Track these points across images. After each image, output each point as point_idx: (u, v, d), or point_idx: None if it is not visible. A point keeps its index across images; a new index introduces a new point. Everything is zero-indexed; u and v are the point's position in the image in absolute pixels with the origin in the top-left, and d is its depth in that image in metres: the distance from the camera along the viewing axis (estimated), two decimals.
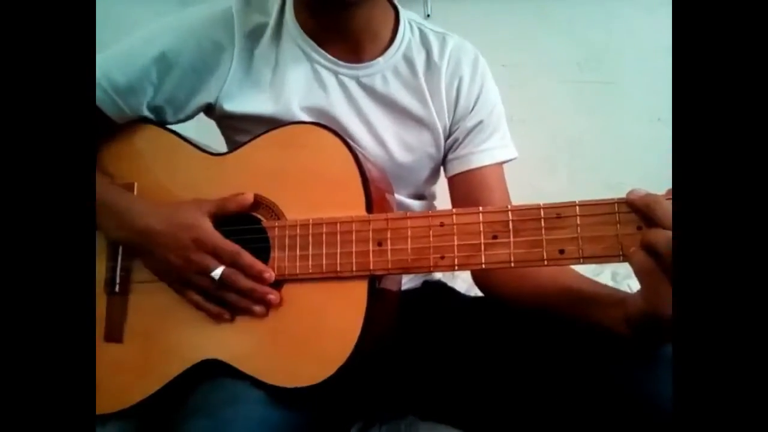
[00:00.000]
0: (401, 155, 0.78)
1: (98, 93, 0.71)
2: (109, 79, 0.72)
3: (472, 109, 0.80)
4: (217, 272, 0.63)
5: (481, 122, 0.80)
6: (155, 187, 0.73)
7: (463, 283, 1.34)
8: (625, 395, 0.56)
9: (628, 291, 1.38)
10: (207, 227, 0.65)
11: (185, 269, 0.65)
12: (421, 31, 0.80)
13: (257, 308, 0.63)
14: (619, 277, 1.38)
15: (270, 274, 0.63)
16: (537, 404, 0.63)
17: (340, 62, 0.75)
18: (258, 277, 0.63)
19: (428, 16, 1.90)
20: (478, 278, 0.81)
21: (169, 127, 0.77)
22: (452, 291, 0.87)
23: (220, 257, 0.64)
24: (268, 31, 0.74)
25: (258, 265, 0.64)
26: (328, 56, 0.75)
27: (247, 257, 0.64)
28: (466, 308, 0.79)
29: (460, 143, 0.80)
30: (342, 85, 0.76)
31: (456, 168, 0.81)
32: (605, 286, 0.68)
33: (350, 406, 0.74)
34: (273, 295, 0.63)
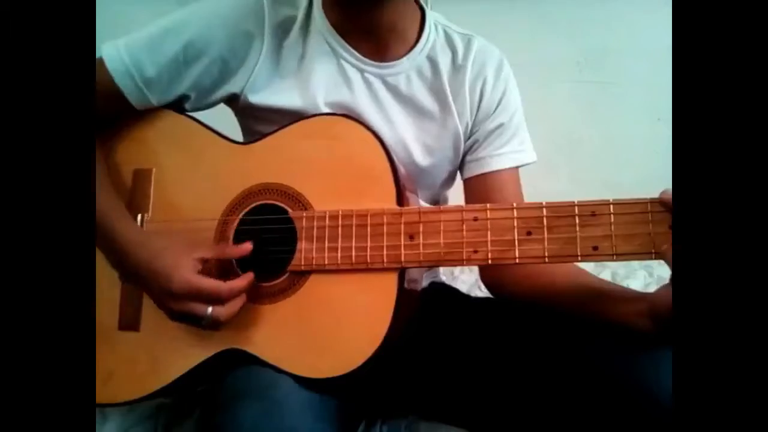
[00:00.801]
0: (421, 157, 0.78)
1: (127, 82, 0.71)
2: (140, 70, 0.71)
3: (494, 112, 0.80)
4: (207, 318, 0.62)
5: (501, 125, 0.80)
6: (174, 174, 0.73)
7: (462, 284, 1.33)
8: (626, 394, 0.56)
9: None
10: (181, 275, 0.62)
11: (171, 315, 0.64)
12: (446, 33, 0.80)
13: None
14: (619, 277, 1.38)
15: (251, 278, 0.64)
16: (538, 403, 0.63)
17: (367, 60, 0.75)
18: (249, 288, 0.64)
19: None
20: (488, 277, 0.81)
21: (190, 114, 0.76)
22: (454, 291, 0.87)
23: (203, 299, 0.62)
24: (297, 25, 0.74)
25: (242, 284, 0.63)
26: (355, 53, 0.75)
27: (230, 286, 0.63)
28: (468, 308, 0.79)
29: (480, 145, 0.81)
30: (367, 83, 0.76)
31: (473, 170, 0.81)
32: (617, 284, 0.72)
33: (366, 398, 0.74)
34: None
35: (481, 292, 1.34)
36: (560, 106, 1.93)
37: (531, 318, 0.70)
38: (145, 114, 0.75)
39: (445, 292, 0.87)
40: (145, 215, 0.73)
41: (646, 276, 1.38)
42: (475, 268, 1.51)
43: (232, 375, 0.63)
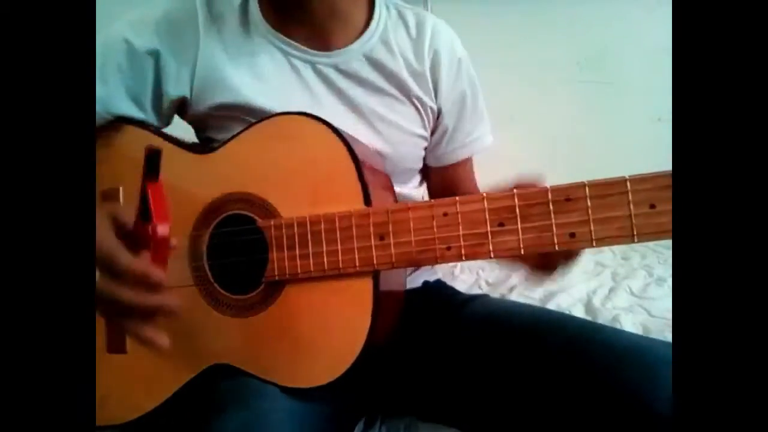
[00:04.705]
0: (391, 136, 0.76)
1: None
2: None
3: (452, 94, 0.80)
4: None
5: (459, 112, 0.81)
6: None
7: (462, 283, 1.34)
8: (625, 397, 0.56)
9: (626, 292, 1.37)
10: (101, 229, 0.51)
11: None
12: (399, 11, 0.79)
13: (158, 339, 0.50)
14: (619, 278, 1.38)
15: (158, 276, 0.50)
16: (537, 405, 0.63)
17: (314, 51, 0.73)
18: (145, 283, 0.50)
19: None
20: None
21: (152, 127, 0.75)
22: (452, 291, 0.87)
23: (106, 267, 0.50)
24: (236, 26, 0.73)
25: (138, 265, 0.50)
26: (301, 47, 0.73)
27: (123, 258, 0.50)
28: (466, 308, 0.78)
29: (441, 140, 0.82)
30: (320, 75, 0.74)
31: (435, 163, 0.84)
32: None
33: (364, 399, 0.74)
34: (170, 302, 0.51)
35: (481, 291, 1.34)
36: (560, 106, 1.94)
37: (529, 320, 0.70)
38: (108, 131, 0.73)
39: (441, 291, 0.87)
40: None
41: (646, 276, 1.38)
42: (475, 268, 1.52)
43: (217, 385, 0.62)
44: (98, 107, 0.70)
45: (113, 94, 0.71)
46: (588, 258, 1.56)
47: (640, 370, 0.57)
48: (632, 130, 1.89)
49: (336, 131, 0.63)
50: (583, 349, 0.62)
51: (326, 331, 0.61)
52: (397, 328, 0.68)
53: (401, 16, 0.79)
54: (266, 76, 0.72)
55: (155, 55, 0.71)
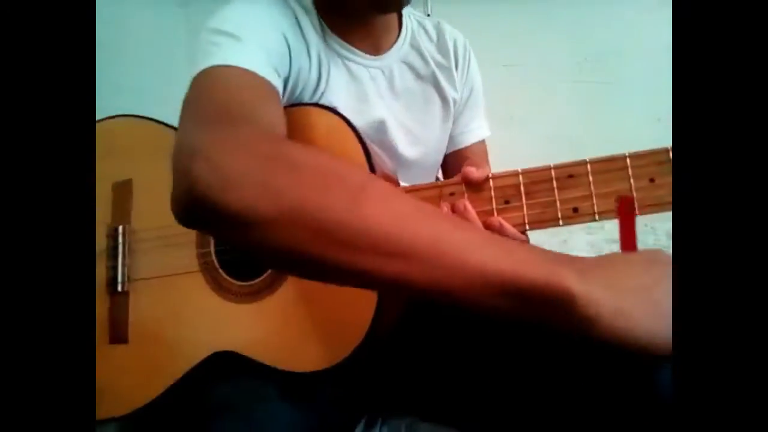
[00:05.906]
0: (429, 135, 0.84)
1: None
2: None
3: (469, 88, 0.89)
4: None
5: (474, 102, 0.90)
6: (152, 181, 0.72)
7: None
8: (625, 397, 0.56)
9: None
10: None
11: None
12: (418, 21, 0.86)
13: None
14: None
15: None
16: (538, 405, 0.63)
17: (366, 56, 0.77)
18: None
19: (428, 15, 1.91)
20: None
21: (157, 119, 0.76)
22: None
23: None
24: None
25: None
26: (357, 51, 0.76)
27: None
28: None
29: (455, 123, 0.89)
30: (372, 78, 0.78)
31: (449, 147, 0.90)
32: None
33: (365, 399, 0.74)
34: None
35: None
36: (560, 106, 1.94)
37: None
38: (116, 123, 0.75)
39: None
40: (126, 226, 0.73)
41: None
42: None
43: (215, 386, 0.62)
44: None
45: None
46: (588, 255, 1.56)
47: (640, 369, 0.57)
48: (632, 130, 1.89)
49: (347, 122, 0.64)
50: (584, 349, 0.62)
51: (331, 314, 0.62)
52: (402, 314, 0.69)
53: (421, 25, 0.86)
54: (329, 82, 0.73)
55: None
